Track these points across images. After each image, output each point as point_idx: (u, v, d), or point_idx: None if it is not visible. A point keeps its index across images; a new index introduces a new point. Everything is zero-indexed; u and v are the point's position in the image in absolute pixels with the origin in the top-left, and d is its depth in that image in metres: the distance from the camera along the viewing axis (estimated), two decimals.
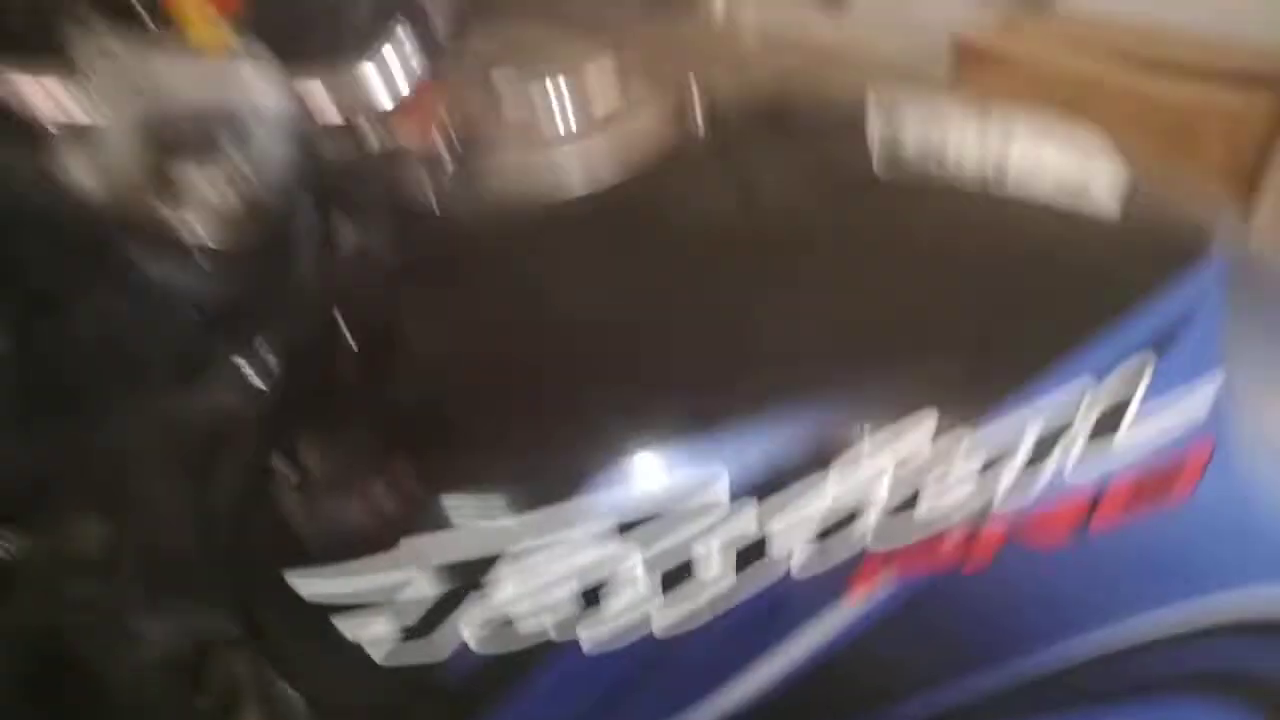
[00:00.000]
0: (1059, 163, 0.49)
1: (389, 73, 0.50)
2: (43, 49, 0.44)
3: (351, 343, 0.45)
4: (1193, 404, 0.40)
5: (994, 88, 2.94)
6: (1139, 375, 0.40)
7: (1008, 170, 0.47)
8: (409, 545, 0.40)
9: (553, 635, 0.41)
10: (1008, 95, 2.79)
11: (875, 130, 0.48)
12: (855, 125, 0.48)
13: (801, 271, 0.42)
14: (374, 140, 0.50)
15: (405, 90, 0.50)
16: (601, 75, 0.47)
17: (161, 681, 0.74)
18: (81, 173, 0.45)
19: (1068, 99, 2.70)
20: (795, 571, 0.40)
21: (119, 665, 0.72)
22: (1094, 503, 0.40)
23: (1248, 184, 2.56)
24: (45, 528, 0.56)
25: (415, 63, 0.51)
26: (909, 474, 0.39)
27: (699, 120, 0.49)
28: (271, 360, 0.49)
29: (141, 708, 0.74)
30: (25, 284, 0.47)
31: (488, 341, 0.43)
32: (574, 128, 0.47)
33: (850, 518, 0.40)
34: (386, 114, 0.50)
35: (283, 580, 0.43)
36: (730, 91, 0.52)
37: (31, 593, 0.57)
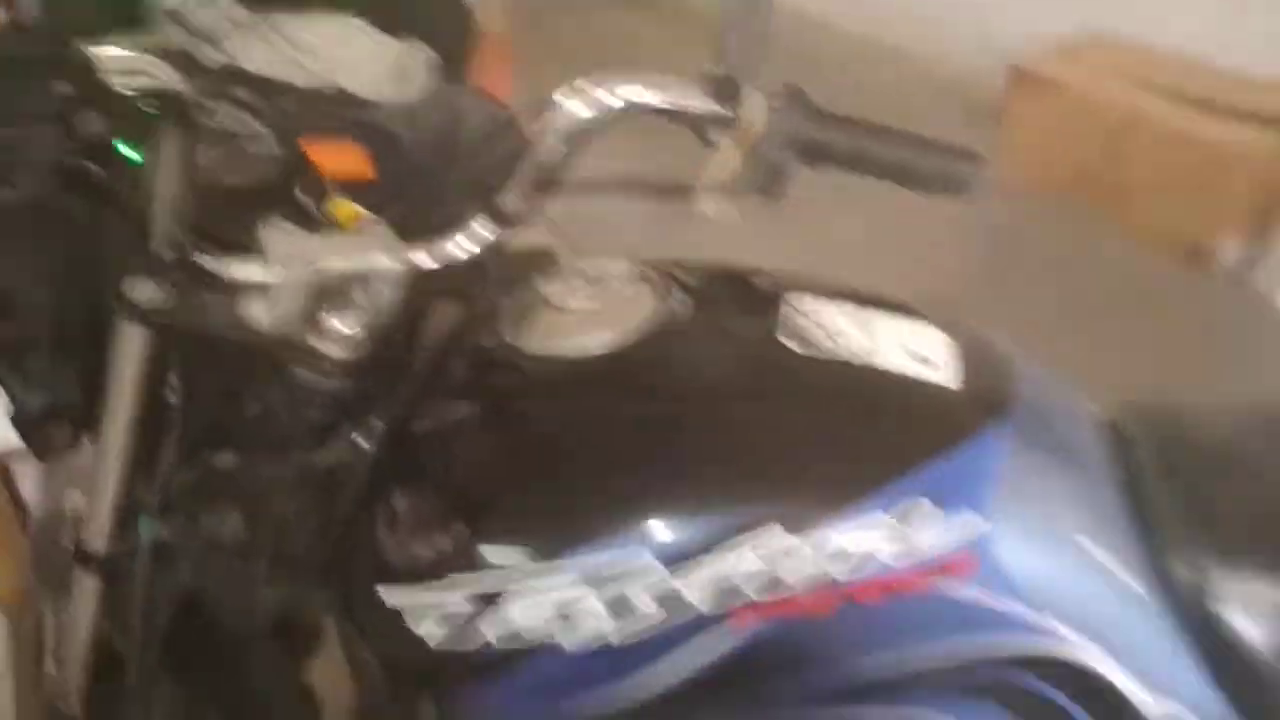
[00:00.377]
0: (912, 344, 0.71)
1: (472, 240, 0.71)
2: (244, 239, 0.68)
3: (434, 437, 0.69)
4: (962, 528, 0.63)
5: (1041, 116, 3.07)
6: (921, 510, 0.63)
7: (878, 344, 0.70)
8: (452, 578, 0.64)
9: (543, 639, 0.65)
10: (1055, 122, 2.93)
11: (786, 312, 0.71)
12: (771, 303, 0.72)
13: (722, 419, 0.65)
14: (465, 295, 0.73)
15: (482, 256, 0.72)
16: (617, 280, 0.71)
17: (273, 630, 1.01)
18: (260, 314, 0.69)
19: (1111, 129, 2.84)
20: (702, 611, 0.64)
21: (238, 623, 0.98)
22: (895, 580, 0.63)
23: (1263, 220, 2.70)
24: (202, 521, 0.80)
25: (488, 234, 0.72)
26: (768, 557, 0.62)
27: (676, 304, 0.73)
28: (381, 433, 0.73)
29: (250, 657, 1.01)
30: (219, 382, 0.72)
31: (518, 456, 0.67)
32: (593, 308, 0.71)
33: (730, 581, 0.63)
34: (471, 271, 0.72)
35: (374, 589, 0.68)
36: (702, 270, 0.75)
37: (186, 564, 0.82)
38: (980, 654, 0.66)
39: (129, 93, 0.62)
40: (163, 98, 0.63)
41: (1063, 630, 0.66)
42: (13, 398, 0.75)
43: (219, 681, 0.98)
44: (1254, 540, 0.69)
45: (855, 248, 2.57)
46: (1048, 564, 0.66)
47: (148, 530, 0.77)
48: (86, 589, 0.84)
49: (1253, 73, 2.87)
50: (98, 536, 0.79)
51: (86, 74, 0.60)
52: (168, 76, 0.63)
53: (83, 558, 0.81)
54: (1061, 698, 0.68)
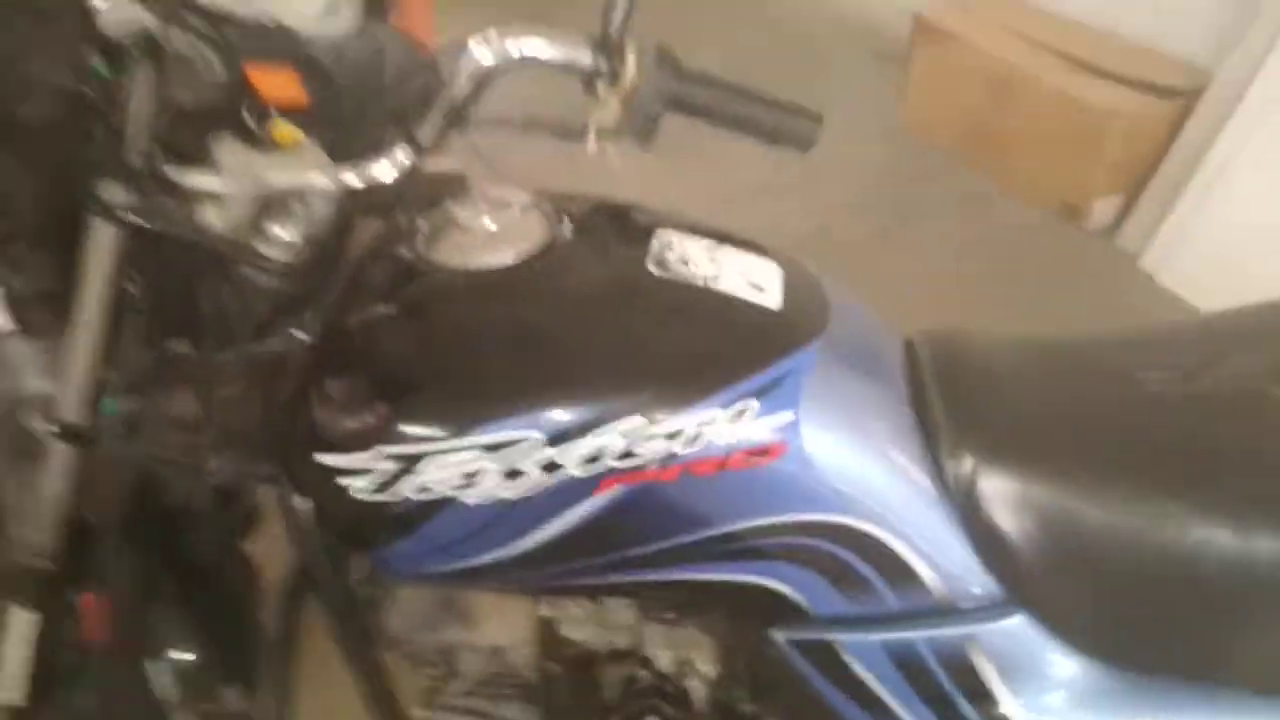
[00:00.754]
0: (751, 274, 0.88)
1: (394, 165, 0.84)
2: (200, 154, 0.80)
3: (361, 332, 0.83)
4: (778, 421, 0.80)
5: (940, 64, 3.25)
6: (748, 407, 0.80)
7: (721, 271, 0.86)
8: (378, 449, 0.79)
9: (450, 494, 0.81)
10: (950, 72, 3.14)
11: (655, 243, 0.87)
12: (644, 235, 0.87)
13: (597, 326, 0.81)
14: (386, 211, 0.87)
15: (401, 179, 0.85)
16: (516, 207, 0.85)
17: (213, 504, 1.15)
18: (213, 219, 0.82)
19: (1000, 81, 3.03)
20: (575, 475, 0.80)
21: (191, 492, 1.12)
22: (725, 459, 0.80)
23: (1140, 180, 2.92)
24: (160, 400, 0.93)
25: (408, 160, 0.86)
26: (630, 434, 0.79)
27: (564, 229, 0.88)
28: (315, 326, 0.87)
29: (197, 529, 1.14)
30: (176, 280, 0.85)
31: (431, 350, 0.81)
32: (495, 230, 0.85)
33: (600, 454, 0.79)
34: (392, 192, 0.86)
35: (311, 455, 0.82)
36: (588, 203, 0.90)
37: (146, 437, 0.94)
38: (788, 521, 0.83)
39: (123, 38, 0.73)
40: (138, 35, 0.75)
41: (857, 506, 0.83)
42: (3, 283, 0.87)
43: (170, 549, 1.12)
44: (1011, 446, 0.86)
45: (763, 189, 2.74)
46: (846, 453, 0.83)
47: (112, 407, 0.89)
48: (60, 457, 0.96)
49: (1136, 39, 3.07)
50: (70, 410, 0.91)
51: (88, 19, 0.72)
52: (135, 12, 0.75)
53: (59, 429, 0.93)
54: (855, 560, 0.85)
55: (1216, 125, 2.72)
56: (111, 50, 0.76)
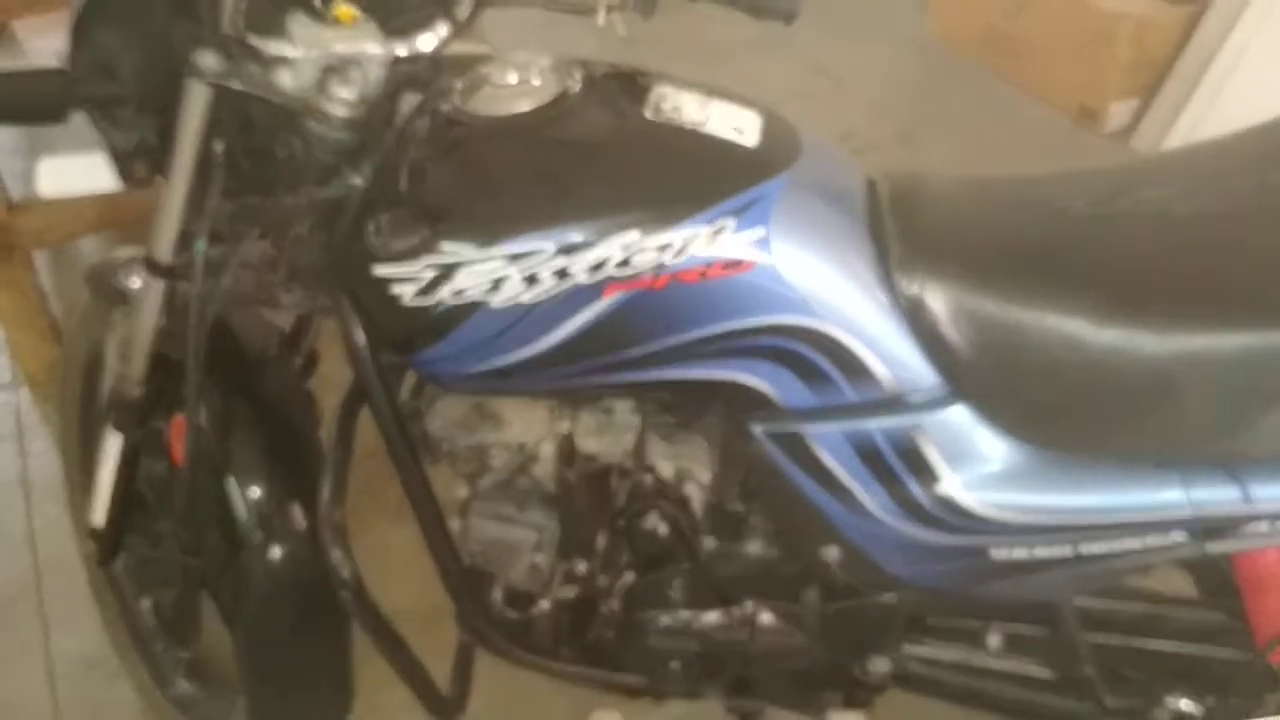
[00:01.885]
0: (735, 120, 1.04)
1: (435, 37, 1.00)
2: (277, 25, 0.97)
3: (407, 170, 1.01)
4: (751, 237, 0.97)
5: None
6: (726, 225, 0.97)
7: (709, 118, 1.03)
8: (423, 258, 0.98)
9: (480, 299, 0.99)
10: None
11: (652, 96, 1.04)
12: (644, 90, 1.04)
13: (603, 163, 0.99)
14: (428, 75, 1.04)
15: (440, 47, 1.02)
16: (538, 68, 1.03)
17: (279, 347, 1.34)
18: (287, 82, 0.99)
19: None
20: (582, 283, 0.98)
21: (261, 335, 1.31)
22: (706, 269, 0.97)
23: (1154, 83, 3.01)
24: (238, 243, 1.12)
25: (445, 32, 1.02)
26: (627, 247, 0.96)
27: (577, 83, 1.05)
28: (370, 172, 1.05)
29: (267, 369, 1.33)
30: (250, 131, 1.03)
31: (465, 180, 0.99)
32: (518, 84, 1.03)
33: (603, 263, 0.97)
34: (433, 59, 1.03)
35: (368, 268, 1.01)
36: (599, 66, 1.07)
37: (226, 276, 1.12)
38: (763, 325, 1.00)
39: None
40: None
41: (820, 311, 1.00)
42: (109, 142, 1.05)
43: (244, 386, 1.31)
44: (953, 264, 1.02)
45: (796, 94, 2.88)
46: (811, 266, 1.00)
47: (201, 247, 1.06)
48: (153, 293, 1.15)
49: None
50: (163, 252, 1.10)
51: None
52: None
53: (151, 267, 1.12)
54: (819, 358, 1.02)
55: (1226, 28, 2.79)
56: None
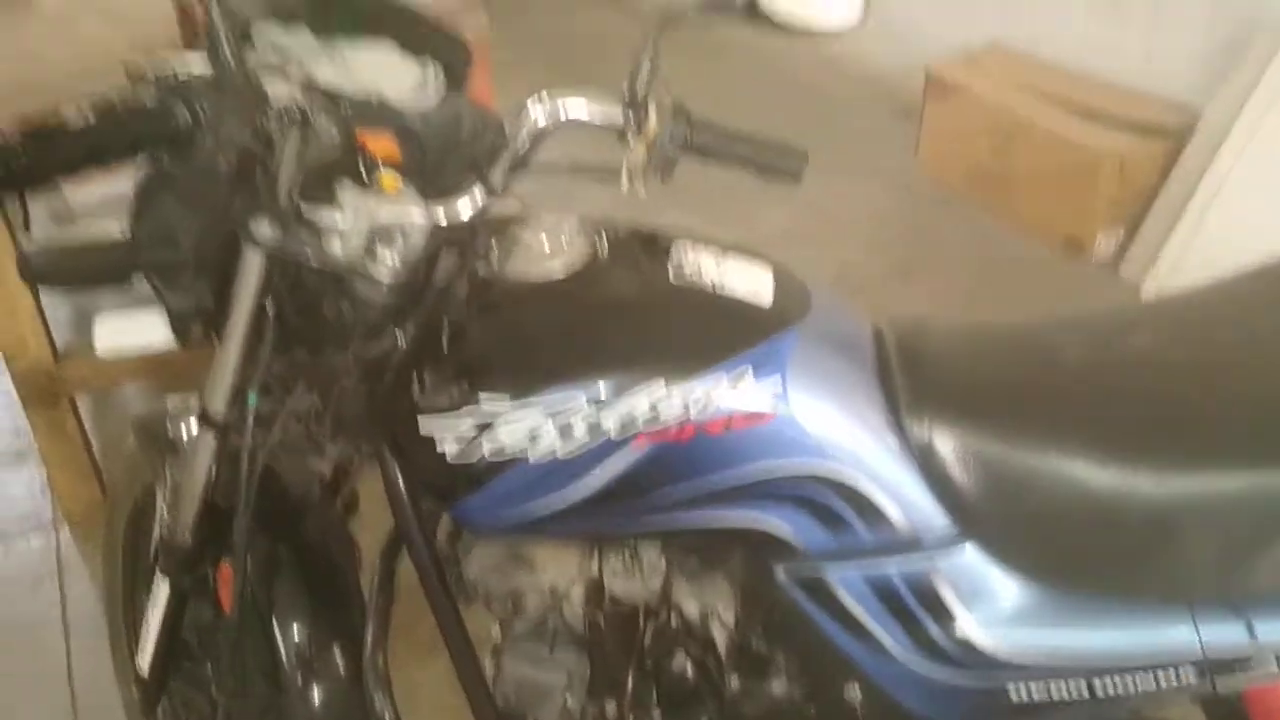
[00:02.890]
0: (748, 277, 1.12)
1: (471, 204, 1.09)
2: (326, 194, 1.05)
3: (448, 329, 1.09)
4: (769, 388, 1.04)
5: (949, 116, 3.49)
6: (744, 376, 1.04)
7: (725, 276, 1.11)
8: (465, 410, 1.04)
9: (518, 453, 1.05)
10: (959, 122, 3.40)
11: (673, 257, 1.12)
12: (664, 251, 1.12)
13: (631, 322, 1.06)
14: (466, 239, 1.12)
15: (477, 214, 1.10)
16: (567, 230, 1.11)
17: (322, 492, 1.39)
18: (336, 248, 1.07)
19: (1003, 128, 3.27)
20: (613, 436, 1.04)
21: (305, 481, 1.36)
22: (729, 420, 1.04)
23: (1137, 214, 3.13)
24: (287, 396, 1.18)
25: (482, 199, 1.10)
26: (653, 401, 1.03)
27: (603, 248, 1.13)
28: (413, 330, 1.11)
29: (310, 514, 1.38)
30: (301, 299, 1.10)
31: (502, 339, 1.07)
32: (550, 249, 1.11)
33: (633, 416, 1.03)
34: (470, 224, 1.10)
35: (412, 421, 1.07)
36: (621, 227, 1.15)
37: (276, 428, 1.18)
38: (782, 472, 1.06)
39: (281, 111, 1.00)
40: (291, 109, 1.01)
41: (836, 456, 1.06)
42: (166, 304, 1.12)
43: (288, 530, 1.36)
44: (959, 409, 1.09)
45: (789, 235, 3.00)
46: (825, 414, 1.06)
47: (254, 399, 1.12)
48: (205, 444, 1.20)
49: (1129, 84, 3.30)
50: (217, 406, 1.16)
51: (262, 97, 1.00)
52: (292, 92, 1.02)
53: (205, 420, 1.18)
54: (837, 502, 1.08)
55: (1206, 158, 2.93)
56: (270, 119, 1.01)
